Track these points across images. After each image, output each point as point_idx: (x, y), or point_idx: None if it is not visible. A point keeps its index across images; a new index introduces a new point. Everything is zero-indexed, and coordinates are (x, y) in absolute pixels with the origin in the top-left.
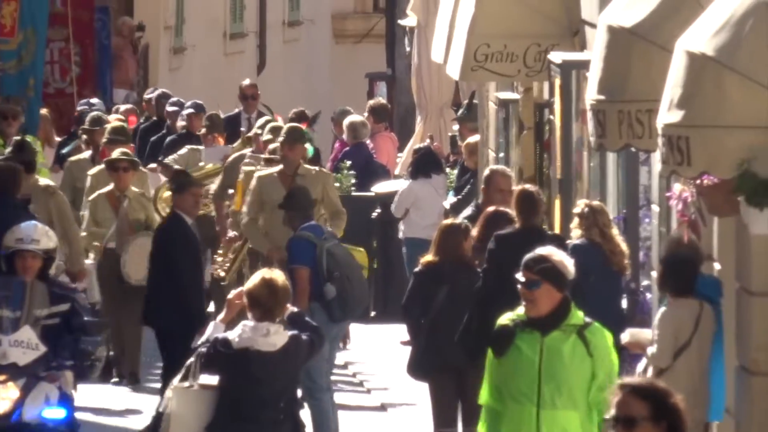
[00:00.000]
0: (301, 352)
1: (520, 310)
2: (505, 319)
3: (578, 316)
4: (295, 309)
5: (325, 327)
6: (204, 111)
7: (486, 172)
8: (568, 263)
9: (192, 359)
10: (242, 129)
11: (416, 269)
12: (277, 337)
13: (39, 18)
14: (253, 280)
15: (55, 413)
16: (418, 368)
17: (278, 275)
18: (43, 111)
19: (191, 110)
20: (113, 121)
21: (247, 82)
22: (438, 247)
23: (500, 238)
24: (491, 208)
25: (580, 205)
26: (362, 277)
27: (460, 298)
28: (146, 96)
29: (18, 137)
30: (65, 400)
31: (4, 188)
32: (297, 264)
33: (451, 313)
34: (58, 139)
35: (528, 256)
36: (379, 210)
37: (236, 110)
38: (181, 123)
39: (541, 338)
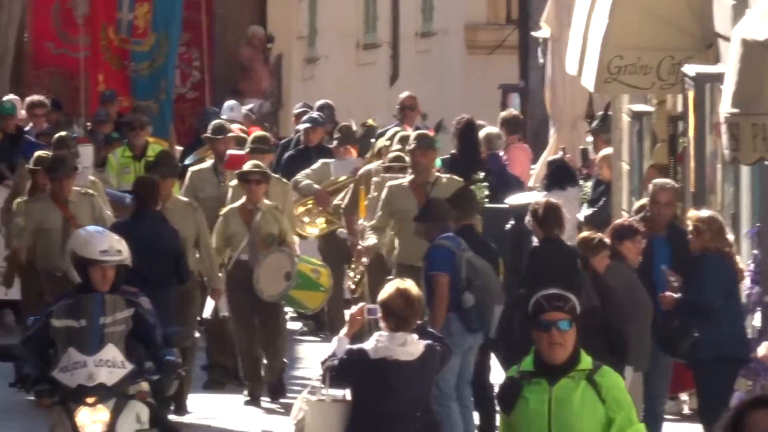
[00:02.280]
0: (435, 362)
1: (527, 360)
2: (511, 372)
3: (587, 360)
4: (419, 321)
5: (461, 337)
6: (321, 125)
7: (650, 186)
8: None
9: (321, 373)
10: (372, 140)
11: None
12: (413, 346)
13: (172, 21)
14: (388, 291)
15: None
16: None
17: (412, 285)
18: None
19: (307, 125)
20: (236, 130)
21: (405, 93)
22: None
23: (535, 252)
24: (618, 221)
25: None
26: (500, 289)
27: (586, 311)
28: (294, 111)
29: (162, 149)
30: (157, 418)
31: (144, 201)
32: (437, 271)
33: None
34: (178, 147)
35: (549, 294)
36: (512, 222)
37: (394, 123)
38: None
39: (549, 388)
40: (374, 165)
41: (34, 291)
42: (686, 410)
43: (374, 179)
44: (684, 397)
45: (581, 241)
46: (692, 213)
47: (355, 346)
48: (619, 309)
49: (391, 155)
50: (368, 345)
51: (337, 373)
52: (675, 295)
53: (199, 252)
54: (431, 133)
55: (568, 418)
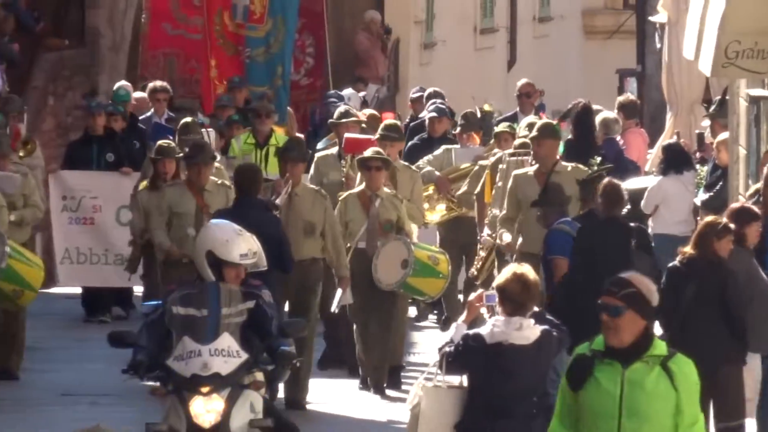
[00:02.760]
0: (552, 347)
1: (599, 339)
2: (582, 348)
3: (661, 346)
4: (537, 308)
5: None
6: (446, 115)
7: (765, 170)
8: (653, 289)
9: (438, 359)
10: (494, 128)
11: (670, 264)
12: (529, 330)
13: (289, 6)
14: (504, 275)
15: (262, 423)
16: None
17: (529, 269)
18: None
19: (434, 114)
20: (362, 115)
21: (523, 81)
22: (694, 243)
23: (582, 230)
24: (735, 204)
25: None
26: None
27: (707, 296)
28: (412, 95)
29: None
30: (271, 408)
31: (244, 189)
32: (556, 255)
33: (698, 310)
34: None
35: (611, 280)
36: (629, 206)
37: (513, 111)
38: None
39: (622, 370)
40: (507, 152)
41: (155, 277)
42: None
43: (500, 167)
44: None
45: (705, 225)
46: None
47: (472, 331)
48: (740, 294)
49: (516, 142)
50: (484, 330)
51: (453, 358)
52: None
53: (325, 240)
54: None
55: (641, 401)
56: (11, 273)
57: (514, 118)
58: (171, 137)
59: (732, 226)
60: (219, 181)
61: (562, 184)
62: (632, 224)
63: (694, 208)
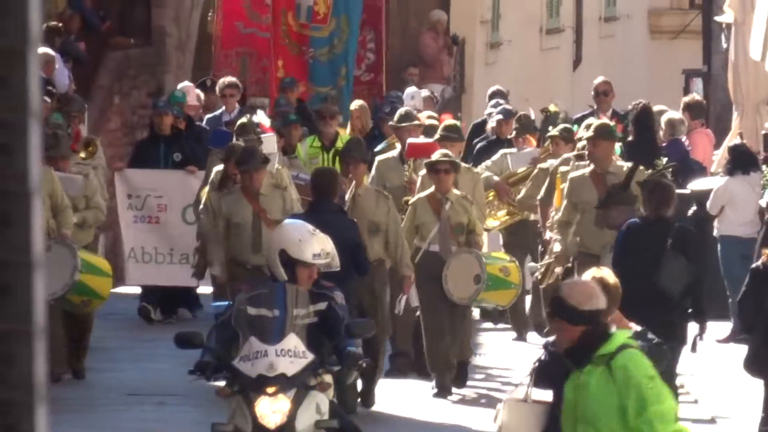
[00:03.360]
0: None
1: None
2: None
3: (611, 345)
4: (639, 328)
5: None
6: (513, 116)
7: None
8: (588, 293)
9: (529, 372)
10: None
11: (753, 265)
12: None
13: (353, 6)
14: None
15: (327, 424)
16: (753, 365)
17: (608, 273)
18: (360, 102)
19: (500, 116)
20: (424, 118)
21: (600, 79)
22: None
23: (628, 230)
24: None
25: None
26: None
27: None
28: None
29: (354, 136)
30: (336, 409)
31: (322, 192)
32: None
33: None
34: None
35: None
36: (694, 207)
37: (588, 110)
38: (491, 125)
39: (577, 374)
40: (572, 154)
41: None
42: None
43: (561, 169)
44: None
45: None
46: None
47: (552, 338)
48: None
49: (580, 144)
50: None
51: (537, 373)
52: None
53: (389, 241)
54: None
55: (587, 405)
56: (81, 286)
57: (590, 116)
58: (228, 140)
59: None
60: (274, 182)
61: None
62: (676, 224)
63: (760, 209)
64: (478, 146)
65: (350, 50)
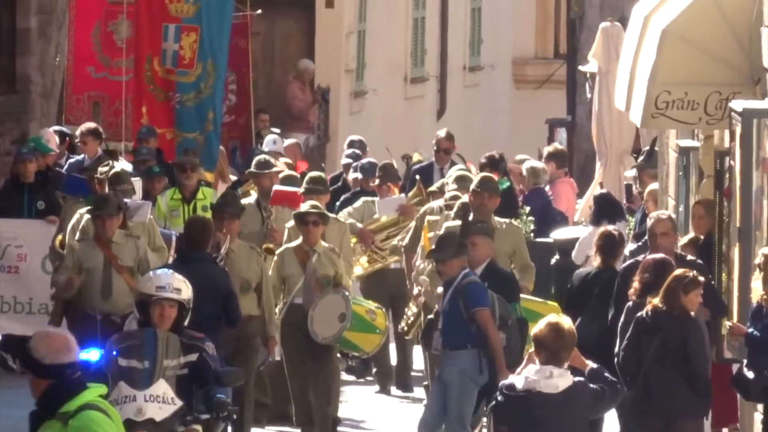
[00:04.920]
0: (585, 398)
1: None
2: None
3: (73, 403)
4: (596, 365)
5: (479, 374)
6: (373, 175)
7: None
8: (52, 349)
9: (486, 410)
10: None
11: (638, 314)
12: (560, 379)
13: (219, 50)
14: (540, 325)
15: None
16: (631, 415)
17: (565, 320)
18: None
19: (359, 175)
20: (282, 165)
21: (443, 133)
22: (662, 296)
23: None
24: (655, 256)
25: (759, 256)
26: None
27: (671, 349)
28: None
29: (228, 190)
30: None
31: (194, 242)
32: (483, 306)
33: (661, 363)
34: (232, 177)
35: None
36: (557, 257)
37: (429, 161)
38: (353, 176)
39: (43, 428)
40: (436, 203)
41: (74, 330)
42: None
43: (428, 218)
44: None
45: (673, 278)
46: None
47: (507, 380)
48: (703, 350)
49: (448, 194)
50: (518, 379)
51: (494, 411)
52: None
53: (261, 297)
54: (495, 176)
55: None
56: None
57: (429, 169)
58: (86, 187)
59: (697, 278)
60: (126, 233)
61: (502, 240)
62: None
63: (624, 258)
64: (343, 198)
65: (217, 94)
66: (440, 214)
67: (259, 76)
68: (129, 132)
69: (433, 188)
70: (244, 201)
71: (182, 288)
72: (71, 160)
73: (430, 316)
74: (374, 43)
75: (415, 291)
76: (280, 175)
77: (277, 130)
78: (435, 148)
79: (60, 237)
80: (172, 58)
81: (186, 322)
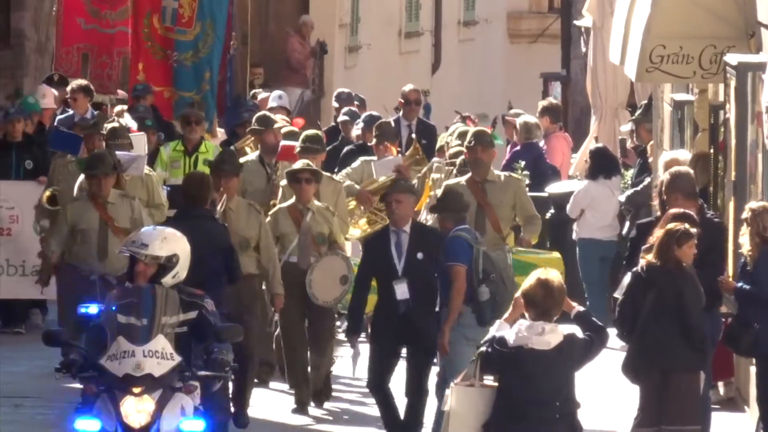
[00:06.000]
0: (576, 351)
1: None
2: None
3: None
4: (582, 309)
5: (474, 330)
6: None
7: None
8: None
9: (473, 358)
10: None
11: (633, 270)
12: (551, 335)
13: (218, 10)
14: (529, 281)
15: (193, 425)
16: (630, 370)
17: (554, 276)
18: None
19: (362, 124)
20: (281, 120)
21: (409, 87)
22: (655, 251)
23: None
24: (673, 210)
25: (746, 211)
26: (514, 280)
27: (666, 303)
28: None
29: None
30: (202, 411)
31: (192, 198)
32: (455, 262)
33: (657, 318)
34: (220, 130)
35: None
36: (552, 210)
37: (395, 116)
38: (356, 133)
39: None
40: (439, 161)
41: (71, 291)
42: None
43: (433, 176)
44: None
45: (666, 233)
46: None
47: (498, 334)
48: (697, 303)
49: (451, 151)
50: (509, 333)
51: (483, 359)
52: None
53: (261, 255)
54: (489, 130)
55: None
56: None
57: (398, 123)
58: (75, 144)
59: (693, 230)
60: (121, 192)
61: (500, 193)
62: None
63: (619, 212)
64: (343, 152)
65: (215, 55)
66: (443, 171)
67: (254, 31)
68: (115, 85)
69: (438, 145)
70: (246, 158)
71: (152, 244)
72: (60, 117)
73: None
74: None
75: None
76: (282, 131)
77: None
78: (403, 101)
79: (48, 192)
80: (171, 16)
81: (170, 277)
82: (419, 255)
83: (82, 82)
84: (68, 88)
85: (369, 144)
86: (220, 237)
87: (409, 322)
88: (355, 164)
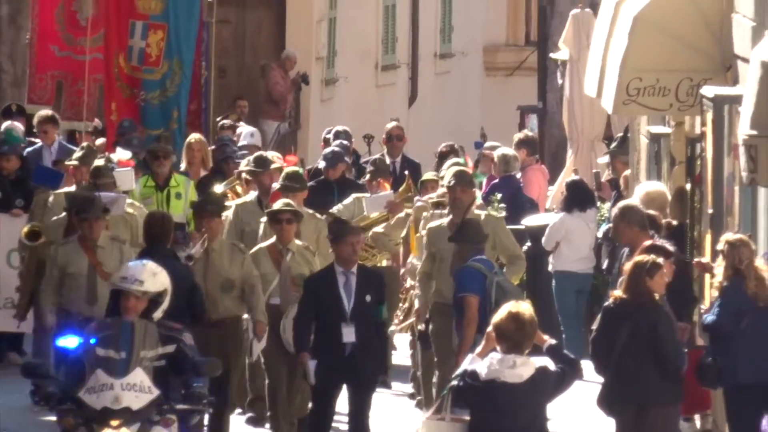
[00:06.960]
0: (548, 384)
1: None
2: None
3: None
4: (554, 341)
5: None
6: (342, 161)
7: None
8: None
9: (445, 392)
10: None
11: (605, 304)
12: (523, 368)
13: (185, 48)
14: (500, 314)
15: None
16: (605, 403)
17: (525, 308)
18: (198, 135)
19: (324, 163)
20: (277, 160)
21: (393, 124)
22: (625, 285)
23: None
24: (648, 242)
25: (722, 243)
26: None
27: (640, 336)
28: (324, 136)
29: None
30: None
31: (154, 237)
32: (466, 292)
33: (631, 352)
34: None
35: None
36: (529, 243)
37: (380, 153)
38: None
39: None
40: (426, 198)
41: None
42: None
43: (424, 214)
44: (697, 420)
45: (634, 266)
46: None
47: (470, 367)
48: (672, 335)
49: (440, 191)
50: (481, 366)
51: (455, 393)
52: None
53: (245, 295)
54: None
55: None
56: None
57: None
58: (56, 179)
59: (661, 260)
60: (111, 235)
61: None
62: None
63: (595, 245)
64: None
65: (182, 93)
66: (426, 210)
67: (231, 64)
68: (91, 112)
69: (425, 178)
70: (243, 199)
71: (147, 280)
72: (29, 149)
73: (419, 328)
74: (345, 31)
75: (407, 284)
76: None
77: (241, 123)
78: (386, 137)
79: (26, 228)
80: (138, 56)
81: (160, 312)
82: (367, 297)
83: (48, 112)
84: (35, 120)
85: (331, 180)
86: (184, 276)
87: (353, 364)
88: (347, 201)
